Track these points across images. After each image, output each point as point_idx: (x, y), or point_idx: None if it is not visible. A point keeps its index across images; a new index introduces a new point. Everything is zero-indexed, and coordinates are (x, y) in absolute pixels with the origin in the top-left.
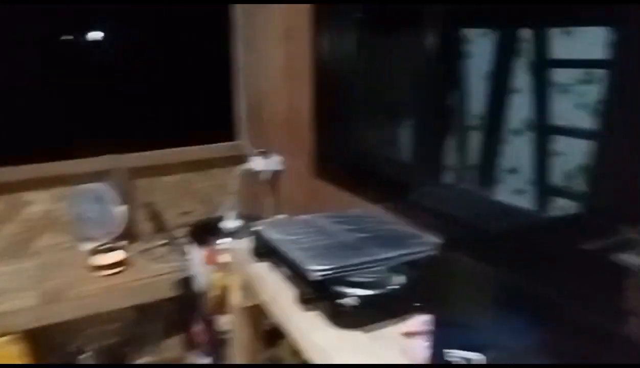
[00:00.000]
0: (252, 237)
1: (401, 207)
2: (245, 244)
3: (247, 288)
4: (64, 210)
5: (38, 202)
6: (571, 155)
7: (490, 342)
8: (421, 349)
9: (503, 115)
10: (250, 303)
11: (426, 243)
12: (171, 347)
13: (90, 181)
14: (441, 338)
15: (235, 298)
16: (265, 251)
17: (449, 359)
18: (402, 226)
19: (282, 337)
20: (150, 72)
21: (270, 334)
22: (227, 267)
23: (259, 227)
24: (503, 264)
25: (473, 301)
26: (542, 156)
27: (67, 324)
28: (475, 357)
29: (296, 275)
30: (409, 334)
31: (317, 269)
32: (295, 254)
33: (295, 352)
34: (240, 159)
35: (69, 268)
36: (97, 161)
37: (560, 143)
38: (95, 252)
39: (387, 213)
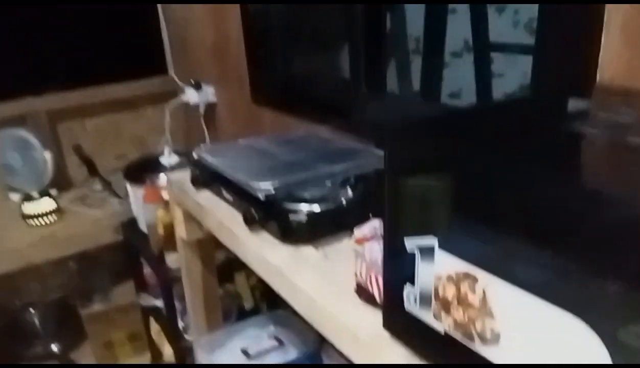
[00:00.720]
0: (191, 166)
1: (344, 125)
2: (183, 175)
3: (191, 220)
4: None
5: None
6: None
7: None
8: (376, 250)
9: (441, 37)
10: (197, 237)
11: (372, 156)
12: (122, 294)
13: (10, 127)
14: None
15: (180, 233)
16: (206, 179)
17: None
18: (347, 143)
19: (237, 270)
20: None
21: (224, 268)
22: (169, 202)
23: (197, 154)
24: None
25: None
26: (483, 77)
27: (7, 278)
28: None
29: (241, 197)
30: (361, 240)
31: (264, 187)
32: (239, 176)
33: (252, 286)
34: (171, 95)
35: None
36: (14, 105)
37: (500, 62)
38: (26, 201)
39: (330, 133)
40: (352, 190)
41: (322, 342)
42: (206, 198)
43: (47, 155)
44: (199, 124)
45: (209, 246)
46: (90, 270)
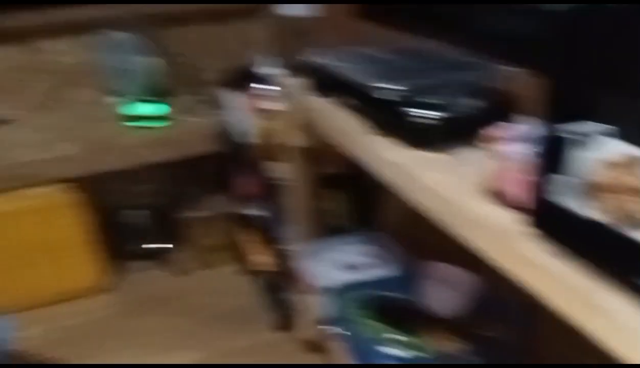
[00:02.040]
0: (309, 72)
1: (462, 40)
2: (296, 83)
3: (306, 127)
4: (91, 61)
5: (63, 54)
6: None
7: None
8: (513, 149)
9: None
10: (308, 144)
11: (489, 69)
12: (218, 203)
13: (115, 30)
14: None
15: (292, 140)
16: (326, 84)
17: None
18: (461, 56)
19: (336, 187)
20: None
21: (324, 184)
22: (273, 111)
23: (317, 59)
24: None
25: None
26: None
27: (110, 177)
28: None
29: (367, 102)
30: (493, 139)
31: (393, 90)
32: (364, 80)
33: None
34: (269, 8)
35: (103, 121)
36: (118, 7)
37: None
38: (129, 104)
39: (446, 47)
40: (476, 101)
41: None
42: (326, 104)
43: (153, 60)
44: (297, 37)
45: (316, 156)
46: (184, 178)
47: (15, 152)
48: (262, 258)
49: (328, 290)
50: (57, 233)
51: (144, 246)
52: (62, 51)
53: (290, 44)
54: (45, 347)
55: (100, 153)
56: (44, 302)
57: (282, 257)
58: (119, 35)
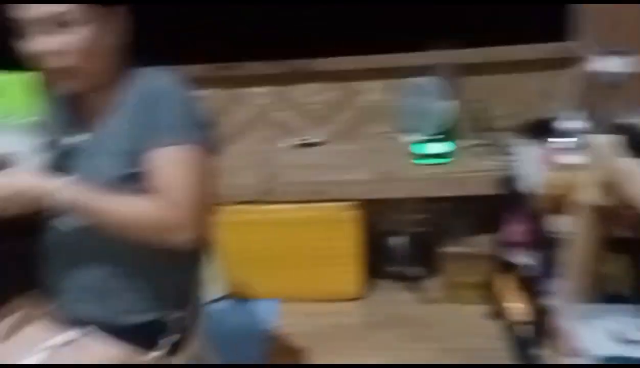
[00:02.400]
0: (620, 130)
1: None
2: (606, 139)
3: (607, 186)
4: (391, 101)
5: (369, 92)
6: None
7: None
8: None
9: None
10: (603, 203)
11: None
12: (481, 243)
13: (419, 75)
14: None
15: (587, 197)
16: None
17: None
18: None
19: (619, 251)
20: None
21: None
22: (569, 165)
23: (630, 118)
24: None
25: None
26: None
27: (385, 204)
28: None
29: None
30: None
31: None
32: None
33: (630, 273)
34: (572, 61)
35: (393, 154)
36: (425, 55)
37: None
38: (419, 142)
39: None
40: None
41: None
42: (632, 165)
43: (449, 104)
44: (608, 93)
45: (608, 216)
46: (457, 214)
47: (317, 171)
48: (518, 307)
49: (592, 358)
50: (331, 243)
51: (400, 269)
52: (369, 90)
53: (599, 99)
54: (297, 336)
55: (385, 182)
56: (305, 298)
57: (542, 311)
58: (422, 80)
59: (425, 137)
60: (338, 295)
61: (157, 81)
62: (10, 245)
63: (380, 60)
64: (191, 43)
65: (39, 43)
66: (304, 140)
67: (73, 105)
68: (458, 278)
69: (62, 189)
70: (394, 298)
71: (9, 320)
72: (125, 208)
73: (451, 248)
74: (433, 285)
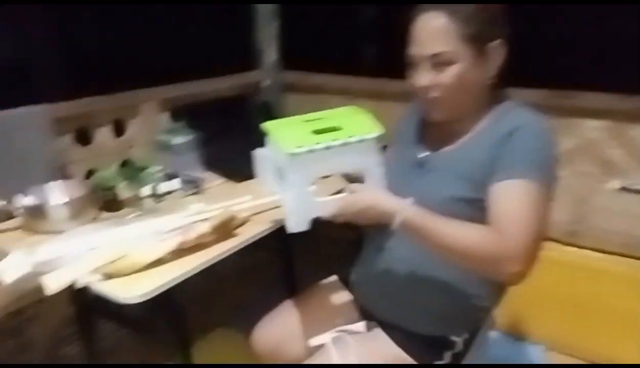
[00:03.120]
0: None
1: None
2: None
3: None
4: None
5: None
6: None
7: None
8: None
9: None
10: None
11: None
12: None
13: None
14: None
15: None
16: None
17: None
18: None
19: None
20: None
21: None
22: None
23: None
24: None
25: None
26: None
27: None
28: None
29: None
30: None
31: None
32: None
33: None
34: None
35: None
36: None
37: None
38: None
39: None
40: None
41: None
42: None
43: None
44: None
45: None
46: None
47: (635, 221)
48: None
49: None
50: (629, 303)
51: None
52: None
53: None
54: None
55: None
56: (578, 353)
57: None
58: None
59: None
60: (617, 359)
61: (518, 116)
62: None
63: None
64: (531, 68)
65: (418, 77)
66: (629, 184)
67: (427, 125)
68: None
69: (405, 210)
70: None
71: (310, 298)
72: (461, 235)
73: None
74: None
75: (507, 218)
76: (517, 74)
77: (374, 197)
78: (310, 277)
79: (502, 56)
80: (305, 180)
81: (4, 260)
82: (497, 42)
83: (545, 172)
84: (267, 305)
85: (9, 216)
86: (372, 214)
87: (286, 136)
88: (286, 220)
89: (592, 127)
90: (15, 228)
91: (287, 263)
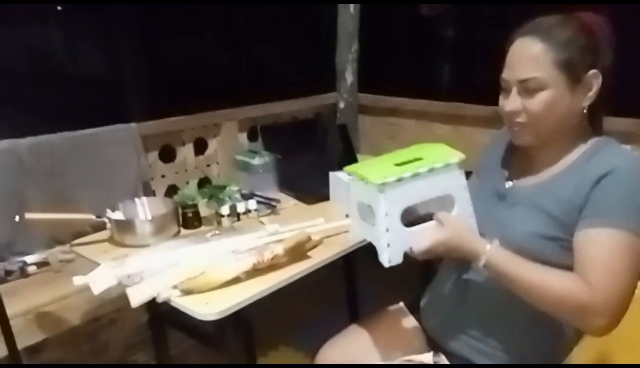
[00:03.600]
0: None
1: None
2: None
3: None
4: None
5: None
6: None
7: None
8: None
9: None
10: None
11: None
12: None
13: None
14: None
15: None
16: None
17: None
18: None
19: None
20: None
21: None
22: None
23: None
24: None
25: None
26: None
27: None
28: None
29: None
30: None
31: None
32: None
33: None
34: None
35: None
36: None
37: None
38: None
39: None
40: None
41: None
42: None
43: None
44: None
45: None
46: None
47: None
48: None
49: None
50: None
51: None
52: None
53: None
54: None
55: None
56: None
57: None
58: None
59: None
60: None
61: (613, 155)
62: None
63: None
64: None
65: (506, 101)
66: None
67: (515, 153)
68: None
69: (490, 252)
70: None
71: (377, 323)
72: (548, 283)
73: None
74: None
75: (597, 269)
76: (614, 102)
77: (461, 236)
78: (374, 299)
79: (598, 86)
80: (396, 211)
81: (94, 272)
82: (592, 72)
83: (637, 222)
84: (330, 325)
85: (100, 228)
86: (457, 254)
87: (371, 171)
88: (379, 256)
89: None
90: (104, 241)
91: (351, 285)
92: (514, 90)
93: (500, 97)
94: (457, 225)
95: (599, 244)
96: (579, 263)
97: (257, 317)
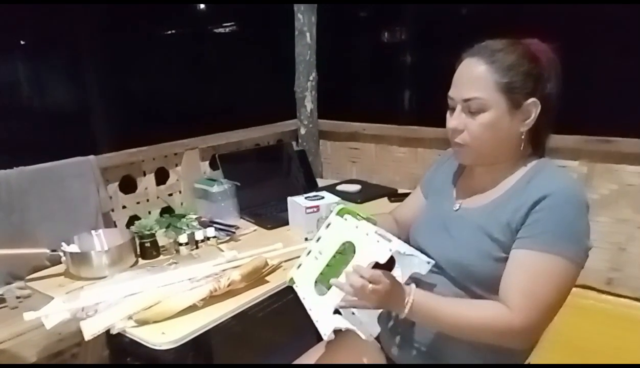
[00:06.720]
0: None
1: None
2: None
3: None
4: None
5: None
6: None
7: None
8: None
9: None
10: None
11: None
12: None
13: None
14: None
15: None
16: None
17: None
18: None
19: None
20: None
21: None
22: None
23: None
24: None
25: None
26: None
27: None
28: None
29: None
30: None
31: None
32: None
33: None
34: None
35: None
36: None
37: None
38: None
39: None
40: None
41: None
42: None
43: None
44: None
45: None
46: None
47: None
48: None
49: None
50: None
51: None
52: None
53: None
54: None
55: None
56: None
57: None
58: None
59: None
60: None
61: (550, 179)
62: None
63: None
64: (569, 114)
65: (449, 119)
66: None
67: (462, 174)
68: None
69: (414, 303)
70: None
71: (337, 345)
72: (472, 316)
73: None
74: None
75: (518, 292)
76: (560, 121)
77: (389, 294)
78: None
79: (536, 115)
80: (309, 292)
81: (46, 306)
82: (532, 100)
83: (572, 247)
84: (296, 349)
85: (57, 262)
86: (384, 306)
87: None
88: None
89: (632, 173)
90: (60, 275)
91: None
92: (459, 107)
93: (447, 115)
94: (388, 280)
95: (524, 266)
96: (503, 283)
97: (223, 344)
